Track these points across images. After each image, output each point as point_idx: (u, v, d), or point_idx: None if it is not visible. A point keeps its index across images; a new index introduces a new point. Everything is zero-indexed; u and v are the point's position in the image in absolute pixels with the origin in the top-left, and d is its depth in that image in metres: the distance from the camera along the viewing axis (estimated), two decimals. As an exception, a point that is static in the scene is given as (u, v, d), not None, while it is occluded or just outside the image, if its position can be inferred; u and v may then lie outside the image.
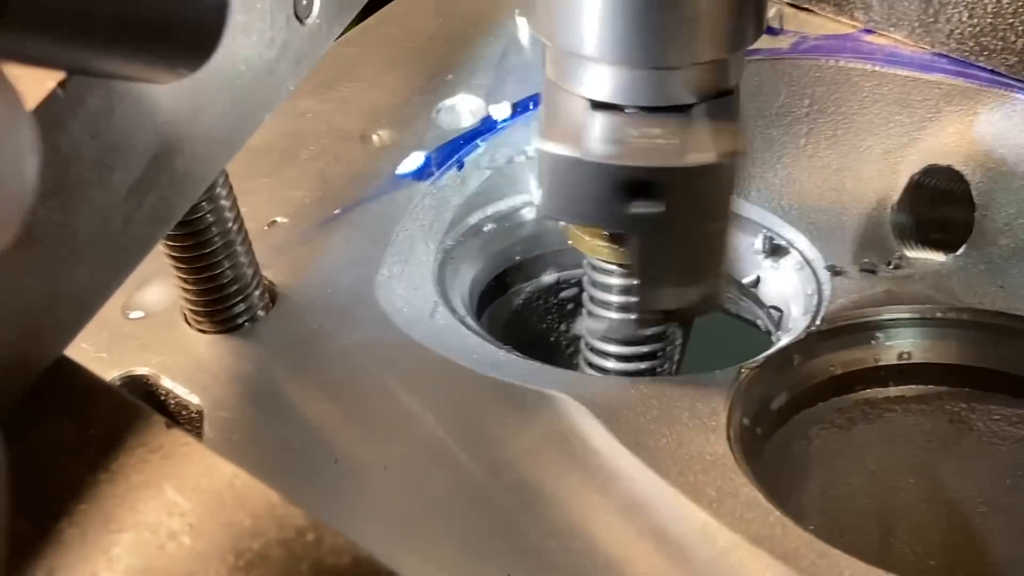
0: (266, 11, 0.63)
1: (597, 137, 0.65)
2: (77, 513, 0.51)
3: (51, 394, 0.54)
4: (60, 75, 0.51)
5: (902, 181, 0.87)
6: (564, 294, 0.94)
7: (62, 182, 0.52)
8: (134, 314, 0.77)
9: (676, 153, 0.65)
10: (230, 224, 0.74)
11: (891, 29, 0.90)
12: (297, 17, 0.65)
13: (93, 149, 0.53)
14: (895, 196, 0.87)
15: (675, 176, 0.65)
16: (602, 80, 0.65)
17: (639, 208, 0.65)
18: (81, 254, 0.54)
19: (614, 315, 0.77)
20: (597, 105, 0.66)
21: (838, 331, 0.80)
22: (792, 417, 0.79)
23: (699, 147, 0.65)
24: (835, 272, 0.83)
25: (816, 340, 0.79)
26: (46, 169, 0.44)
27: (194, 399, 0.72)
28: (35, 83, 0.50)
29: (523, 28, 0.94)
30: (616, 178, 0.65)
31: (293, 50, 0.65)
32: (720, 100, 0.67)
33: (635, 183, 0.65)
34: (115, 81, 0.53)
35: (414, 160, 0.88)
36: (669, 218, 0.66)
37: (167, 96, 0.57)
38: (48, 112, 0.51)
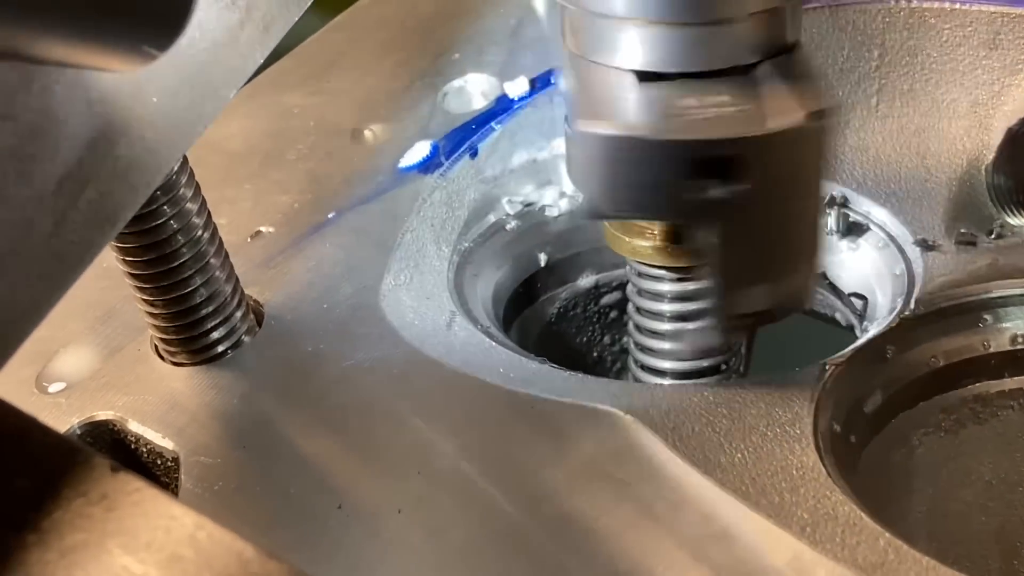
0: (225, -36, 0.60)
1: (649, 113, 0.59)
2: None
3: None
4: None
5: (996, 136, 0.82)
6: (606, 299, 0.88)
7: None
8: (54, 387, 0.73)
9: (754, 120, 0.58)
10: (199, 232, 0.69)
11: (971, -44, 0.86)
12: (264, -27, 0.62)
13: (7, 134, 0.48)
14: (989, 155, 0.82)
15: (757, 147, 0.58)
16: (645, 46, 0.60)
17: (716, 192, 0.59)
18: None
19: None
20: (644, 76, 0.60)
21: (938, 314, 0.74)
22: (890, 421, 0.74)
23: (780, 110, 0.58)
24: (926, 247, 0.78)
25: (912, 327, 0.74)
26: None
27: (168, 444, 0.68)
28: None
29: (538, -4, 0.93)
30: (685, 157, 0.58)
31: (260, 13, 0.62)
32: (785, 57, 0.61)
33: (709, 161, 0.58)
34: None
35: (419, 151, 0.84)
36: (752, 200, 0.59)
37: (102, 68, 0.54)
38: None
